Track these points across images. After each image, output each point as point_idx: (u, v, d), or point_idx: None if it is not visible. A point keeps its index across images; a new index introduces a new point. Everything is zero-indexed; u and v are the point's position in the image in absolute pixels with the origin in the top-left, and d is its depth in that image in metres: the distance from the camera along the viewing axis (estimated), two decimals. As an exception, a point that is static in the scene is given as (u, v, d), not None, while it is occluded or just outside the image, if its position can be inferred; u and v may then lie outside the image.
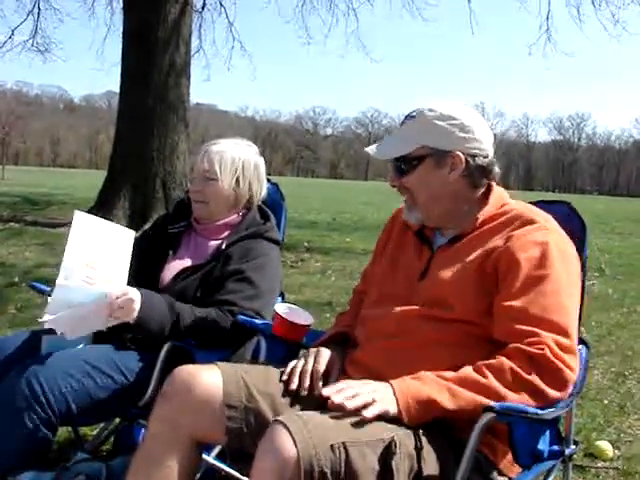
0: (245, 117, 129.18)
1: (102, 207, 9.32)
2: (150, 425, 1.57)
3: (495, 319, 1.54)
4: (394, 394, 1.43)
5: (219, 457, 1.90)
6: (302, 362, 1.68)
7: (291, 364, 1.68)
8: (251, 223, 2.26)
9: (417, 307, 1.62)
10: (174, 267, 2.22)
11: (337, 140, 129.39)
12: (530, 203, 1.76)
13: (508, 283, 1.53)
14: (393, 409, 1.41)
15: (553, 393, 1.44)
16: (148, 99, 9.75)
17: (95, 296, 1.86)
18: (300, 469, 1.27)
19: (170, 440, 1.51)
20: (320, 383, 1.63)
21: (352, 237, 11.15)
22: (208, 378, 1.54)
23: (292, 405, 1.59)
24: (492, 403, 1.37)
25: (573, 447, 1.77)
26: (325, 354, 1.71)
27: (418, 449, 1.38)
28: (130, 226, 2.24)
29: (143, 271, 2.16)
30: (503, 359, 1.46)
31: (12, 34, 14.77)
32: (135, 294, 1.94)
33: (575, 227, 1.79)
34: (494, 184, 1.71)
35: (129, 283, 1.97)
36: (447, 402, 1.41)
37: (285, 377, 1.64)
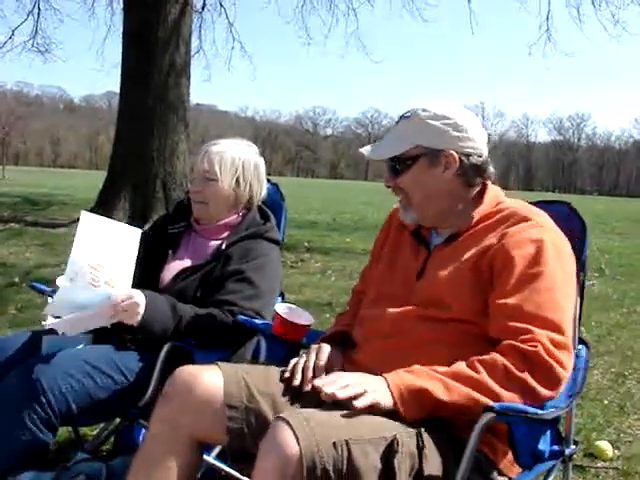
0: (245, 117, 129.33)
1: (102, 207, 9.30)
2: (151, 425, 1.57)
3: (490, 316, 1.54)
4: (388, 387, 1.43)
5: (219, 457, 1.89)
6: (304, 358, 1.68)
7: (293, 361, 1.68)
8: (251, 223, 2.26)
9: (413, 307, 1.62)
10: (174, 267, 2.22)
11: (337, 140, 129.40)
12: (530, 203, 1.76)
13: (503, 280, 1.53)
14: (388, 401, 1.41)
15: (544, 391, 1.44)
16: (148, 99, 9.76)
17: (99, 298, 1.86)
18: (302, 466, 1.27)
19: (171, 440, 1.52)
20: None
21: (352, 237, 11.15)
22: (209, 379, 1.54)
23: (293, 404, 1.59)
24: (491, 403, 1.37)
25: (573, 447, 1.77)
26: (326, 350, 1.71)
27: (420, 448, 1.38)
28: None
29: (143, 271, 2.16)
30: (496, 355, 1.45)
31: (12, 34, 14.84)
32: (140, 297, 1.93)
33: (575, 227, 1.78)
34: (489, 183, 1.71)
35: (130, 283, 1.96)
36: (441, 394, 1.41)
37: (287, 374, 1.64)
